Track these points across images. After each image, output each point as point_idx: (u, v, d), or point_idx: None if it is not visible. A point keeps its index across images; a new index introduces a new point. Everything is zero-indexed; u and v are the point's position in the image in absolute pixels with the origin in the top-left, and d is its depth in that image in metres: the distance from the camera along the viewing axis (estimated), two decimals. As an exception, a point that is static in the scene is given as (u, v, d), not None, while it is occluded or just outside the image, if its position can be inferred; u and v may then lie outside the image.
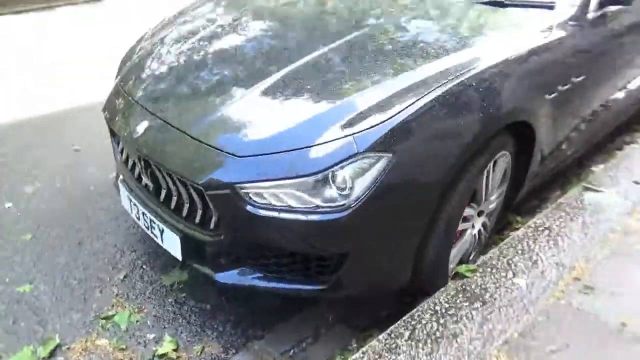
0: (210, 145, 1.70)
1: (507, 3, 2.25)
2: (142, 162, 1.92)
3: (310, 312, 2.06)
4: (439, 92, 1.70)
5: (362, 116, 1.64)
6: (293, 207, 1.61)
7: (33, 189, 2.84)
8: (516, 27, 2.11)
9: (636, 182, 2.54)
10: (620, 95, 2.83)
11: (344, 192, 1.59)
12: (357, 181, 1.58)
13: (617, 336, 1.70)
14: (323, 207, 1.60)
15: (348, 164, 1.57)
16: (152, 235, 2.01)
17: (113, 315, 2.01)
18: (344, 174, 1.58)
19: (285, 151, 1.62)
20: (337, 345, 1.90)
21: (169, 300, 2.10)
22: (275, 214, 1.62)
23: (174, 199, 1.87)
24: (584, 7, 2.24)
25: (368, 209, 1.60)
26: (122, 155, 2.19)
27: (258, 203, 1.64)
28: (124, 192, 2.14)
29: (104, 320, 1.99)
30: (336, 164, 1.57)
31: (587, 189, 2.50)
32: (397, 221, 1.70)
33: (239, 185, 1.63)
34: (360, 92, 1.74)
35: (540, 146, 2.14)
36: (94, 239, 2.44)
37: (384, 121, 1.62)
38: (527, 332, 1.73)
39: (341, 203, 1.59)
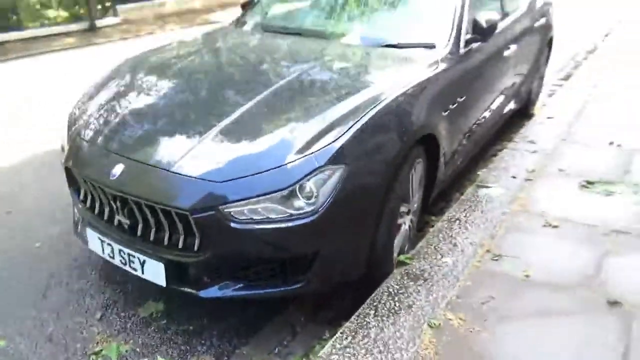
0: (190, 177, 1.98)
1: (400, 45, 2.84)
2: (119, 203, 2.12)
3: (283, 317, 2.35)
4: (368, 116, 2.16)
5: (315, 139, 2.04)
6: (271, 218, 1.94)
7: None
8: (413, 63, 2.68)
9: (513, 177, 3.23)
10: (487, 114, 3.56)
11: (311, 200, 1.96)
12: (321, 190, 1.96)
13: (523, 284, 2.24)
14: (296, 215, 1.95)
15: (312, 177, 1.95)
16: (130, 269, 2.18)
17: (101, 350, 2.13)
18: (309, 185, 1.95)
19: (259, 172, 1.95)
20: (313, 338, 2.20)
21: (152, 328, 2.26)
22: (256, 226, 1.94)
23: (153, 230, 2.09)
24: (456, 45, 2.89)
25: (331, 212, 1.98)
26: (85, 202, 2.35)
27: (240, 219, 1.94)
28: (93, 235, 2.29)
29: (93, 356, 2.10)
30: (303, 178, 1.94)
31: (479, 186, 3.13)
32: (354, 219, 2.10)
33: (222, 206, 1.92)
34: (308, 121, 2.15)
35: (443, 154, 2.70)
36: (57, 289, 2.50)
37: (333, 141, 2.03)
38: (461, 294, 2.20)
39: (310, 209, 1.95)
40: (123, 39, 10.21)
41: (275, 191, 1.92)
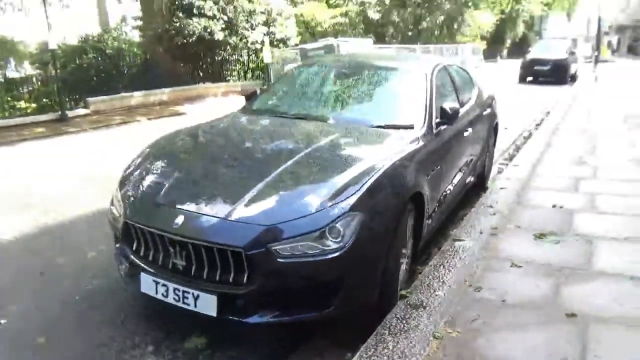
0: (244, 222, 2.51)
1: (387, 126, 3.58)
2: (178, 247, 2.59)
3: (308, 345, 2.78)
4: (375, 177, 2.80)
5: (337, 193, 2.64)
6: (308, 253, 2.48)
7: (17, 307, 3.09)
8: (399, 139, 3.39)
9: (481, 232, 3.90)
10: (453, 185, 4.29)
11: (338, 239, 2.52)
12: (346, 230, 2.53)
13: (502, 307, 2.82)
14: (328, 250, 2.49)
15: (340, 220, 2.53)
16: (182, 305, 2.60)
17: (157, 375, 2.48)
18: (338, 226, 2.52)
19: (299, 217, 2.51)
20: (339, 358, 2.65)
21: (199, 357, 2.64)
22: (297, 260, 2.46)
23: (207, 269, 2.56)
24: (430, 127, 3.65)
25: (354, 247, 2.53)
26: (138, 252, 2.79)
27: (284, 254, 2.46)
28: (146, 279, 2.71)
29: (152, 380, 2.45)
30: (333, 221, 2.51)
31: (455, 240, 3.77)
32: (370, 254, 2.65)
33: (270, 244, 2.45)
34: (329, 181, 2.76)
35: (427, 209, 3.34)
36: (106, 331, 2.83)
37: (352, 194, 2.64)
38: (455, 316, 2.74)
39: (337, 246, 2.51)
40: (94, 128, 10.59)
41: (313, 231, 2.48)
